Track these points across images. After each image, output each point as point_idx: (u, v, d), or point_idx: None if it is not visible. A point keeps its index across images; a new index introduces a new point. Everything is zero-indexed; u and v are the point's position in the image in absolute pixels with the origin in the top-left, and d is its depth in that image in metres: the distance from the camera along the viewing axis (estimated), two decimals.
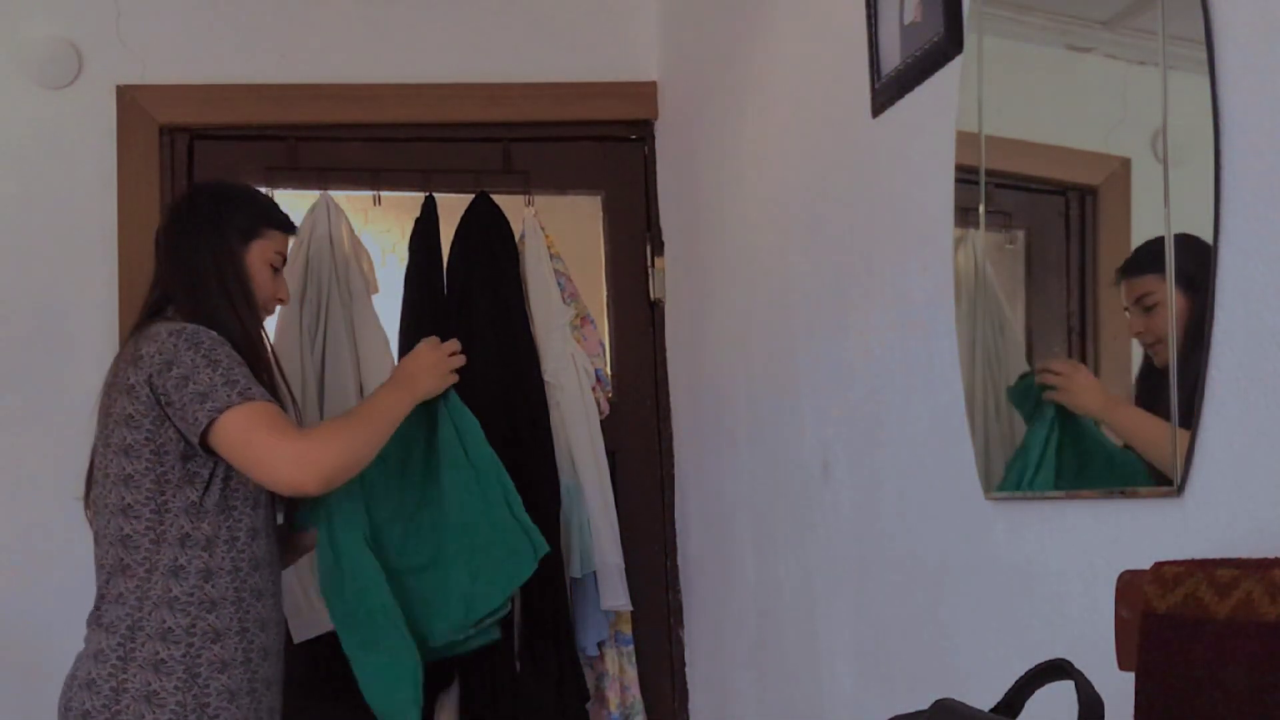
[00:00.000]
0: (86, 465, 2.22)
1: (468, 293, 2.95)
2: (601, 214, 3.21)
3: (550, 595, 2.87)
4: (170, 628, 2.06)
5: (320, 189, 2.96)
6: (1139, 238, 1.27)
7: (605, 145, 3.18)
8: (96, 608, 2.11)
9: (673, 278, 3.08)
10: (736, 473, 2.59)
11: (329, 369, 2.85)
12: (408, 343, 2.96)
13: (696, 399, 2.92)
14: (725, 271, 2.65)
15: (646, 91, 3.14)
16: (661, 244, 3.14)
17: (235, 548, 2.13)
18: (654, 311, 3.15)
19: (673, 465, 3.10)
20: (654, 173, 3.17)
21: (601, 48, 3.15)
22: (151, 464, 2.08)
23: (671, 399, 3.11)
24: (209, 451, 2.09)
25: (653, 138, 3.18)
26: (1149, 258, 1.20)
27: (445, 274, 2.99)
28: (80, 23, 2.97)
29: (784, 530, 2.31)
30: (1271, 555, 0.99)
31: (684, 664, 3.07)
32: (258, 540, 2.18)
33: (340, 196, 3.01)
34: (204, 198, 2.31)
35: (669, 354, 3.12)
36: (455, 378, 2.51)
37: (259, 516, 2.18)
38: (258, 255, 2.28)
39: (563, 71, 3.11)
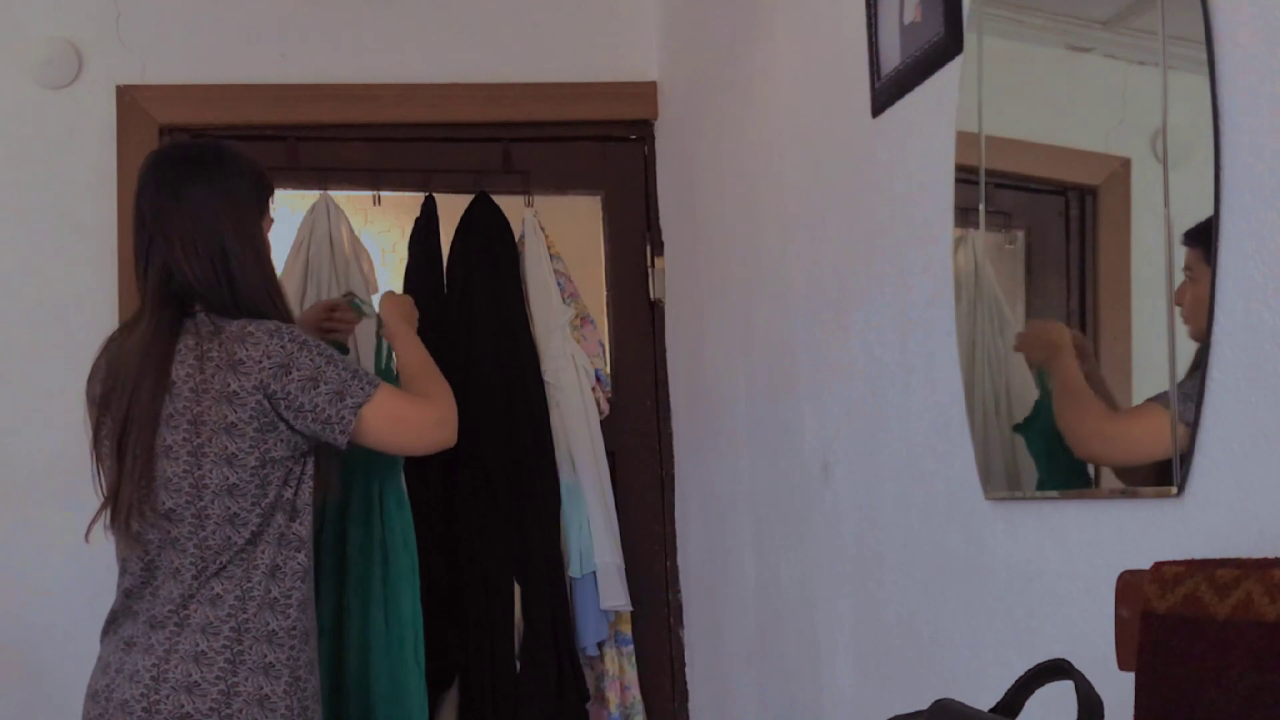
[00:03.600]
0: (121, 470, 2.05)
1: (468, 293, 2.95)
2: (601, 214, 3.21)
3: (550, 595, 2.87)
4: (274, 630, 2.03)
5: (320, 189, 2.96)
6: (1139, 237, 1.27)
7: (605, 145, 3.18)
8: (177, 611, 2.02)
9: (673, 278, 3.08)
10: (736, 473, 2.59)
11: None
12: None
13: (696, 399, 2.92)
14: (725, 271, 2.65)
15: (646, 91, 3.14)
16: (661, 244, 3.14)
17: (310, 546, 2.11)
18: (654, 311, 3.15)
19: (673, 465, 3.10)
20: (654, 173, 3.17)
21: (601, 48, 3.15)
22: (255, 471, 2.02)
23: (671, 399, 3.11)
24: (338, 447, 2.11)
25: (653, 138, 3.17)
26: (1200, 231, 1.18)
27: (445, 274, 2.99)
28: (80, 23, 2.96)
29: (784, 530, 2.31)
30: (1271, 555, 0.99)
31: (684, 664, 3.07)
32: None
33: (340, 196, 3.01)
34: (212, 166, 2.12)
35: (669, 354, 3.12)
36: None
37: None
38: (266, 230, 2.19)
39: (563, 71, 3.11)
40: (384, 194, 3.14)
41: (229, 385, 2.00)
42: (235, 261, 2.08)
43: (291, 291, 2.85)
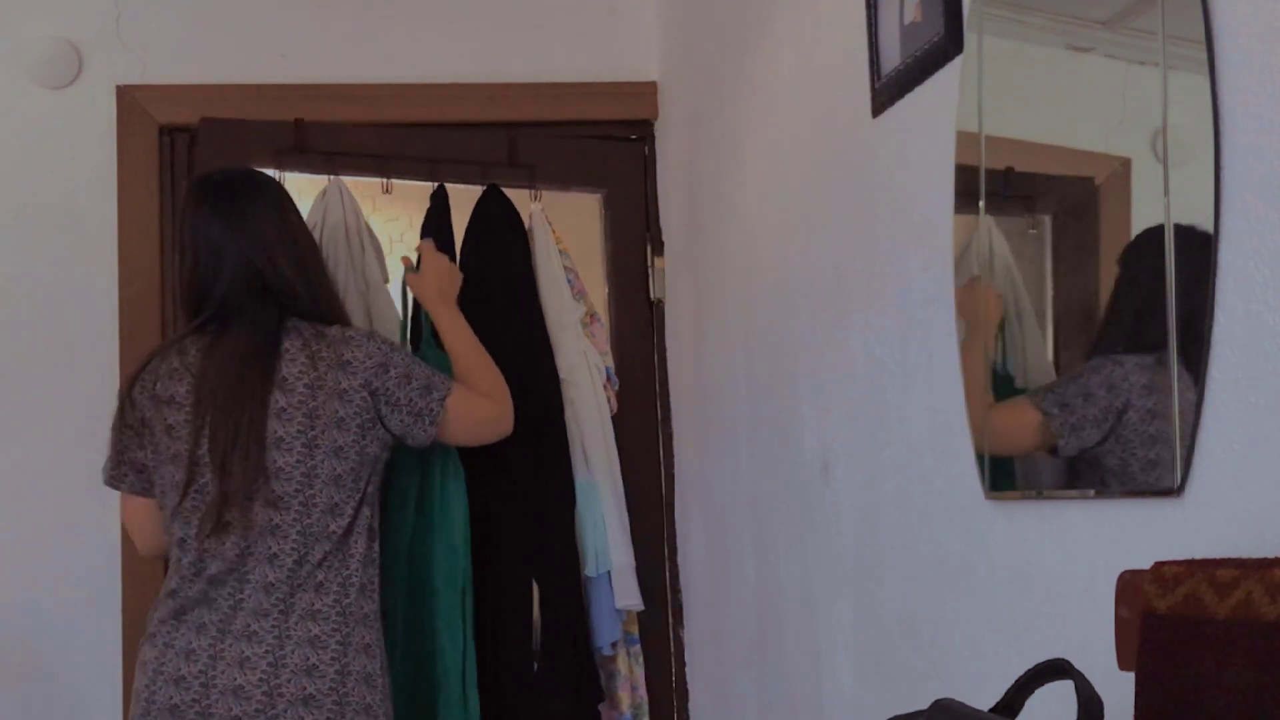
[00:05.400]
0: (229, 462, 2.15)
1: (483, 286, 2.87)
2: (601, 213, 3.20)
3: (568, 595, 2.84)
4: (368, 614, 2.20)
5: (329, 173, 2.88)
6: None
7: (606, 144, 3.16)
8: (284, 599, 2.14)
9: (673, 278, 3.08)
10: (736, 473, 2.59)
11: None
12: (418, 334, 2.89)
13: (697, 399, 2.92)
14: (725, 271, 2.65)
15: (646, 91, 3.14)
16: (661, 244, 3.14)
17: (379, 538, 2.29)
18: (654, 311, 3.15)
19: (673, 465, 3.10)
20: (654, 173, 3.17)
21: (601, 48, 3.15)
22: (356, 464, 2.20)
23: (671, 399, 3.11)
24: (425, 440, 2.28)
25: (653, 138, 3.17)
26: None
27: (459, 265, 2.93)
28: (80, 23, 2.96)
29: (784, 530, 2.31)
30: (1271, 555, 0.99)
31: (684, 664, 3.07)
32: None
33: (348, 184, 2.92)
34: (262, 188, 2.34)
35: (669, 354, 3.12)
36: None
37: None
38: None
39: (563, 71, 3.11)
40: (392, 183, 3.07)
41: (340, 383, 2.19)
42: (312, 269, 2.31)
43: None
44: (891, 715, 1.12)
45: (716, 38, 2.70)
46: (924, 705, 1.08)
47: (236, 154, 2.78)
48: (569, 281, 2.98)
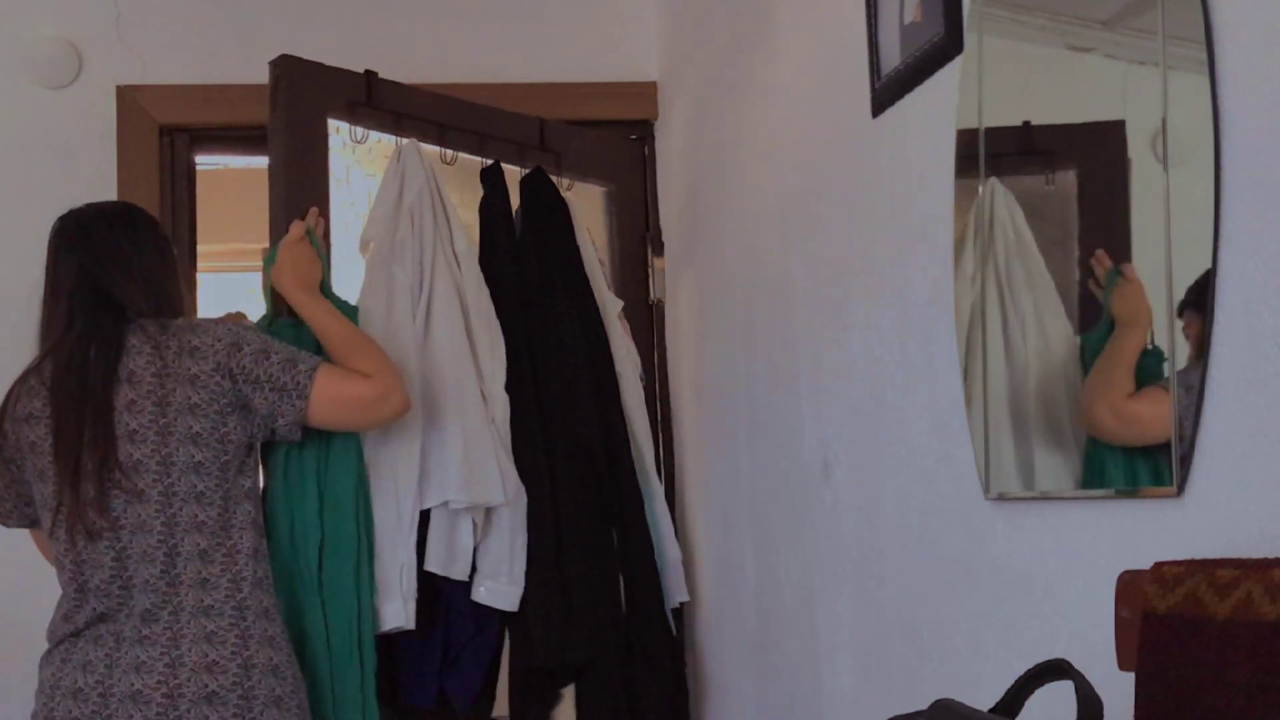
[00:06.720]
0: (80, 463, 2.11)
1: (545, 271, 2.79)
2: (605, 211, 3.18)
3: (654, 591, 2.80)
4: (266, 607, 2.14)
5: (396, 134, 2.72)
6: (1139, 236, 1.27)
7: (612, 140, 3.13)
8: (169, 597, 2.08)
9: (673, 278, 3.08)
10: (736, 473, 2.59)
11: (437, 346, 2.50)
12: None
13: (697, 399, 2.92)
14: (725, 271, 2.65)
15: (646, 91, 3.14)
16: (661, 244, 3.14)
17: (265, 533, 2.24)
18: (654, 311, 3.14)
19: (673, 465, 3.10)
20: (654, 173, 3.17)
21: (601, 48, 3.15)
22: (217, 451, 2.13)
23: (671, 399, 3.11)
24: (297, 420, 2.16)
25: (652, 138, 3.18)
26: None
27: (517, 248, 2.80)
28: (80, 23, 2.97)
29: (784, 530, 2.31)
30: (1271, 555, 0.99)
31: (684, 664, 3.07)
32: None
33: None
34: (124, 213, 2.34)
35: (669, 354, 3.12)
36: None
37: None
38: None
39: (563, 72, 3.11)
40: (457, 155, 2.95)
41: (189, 369, 2.13)
42: (158, 278, 2.25)
43: (384, 248, 2.55)
44: (891, 715, 1.12)
45: (716, 38, 2.70)
46: (924, 705, 1.08)
47: (310, 96, 2.62)
48: (603, 275, 2.93)
